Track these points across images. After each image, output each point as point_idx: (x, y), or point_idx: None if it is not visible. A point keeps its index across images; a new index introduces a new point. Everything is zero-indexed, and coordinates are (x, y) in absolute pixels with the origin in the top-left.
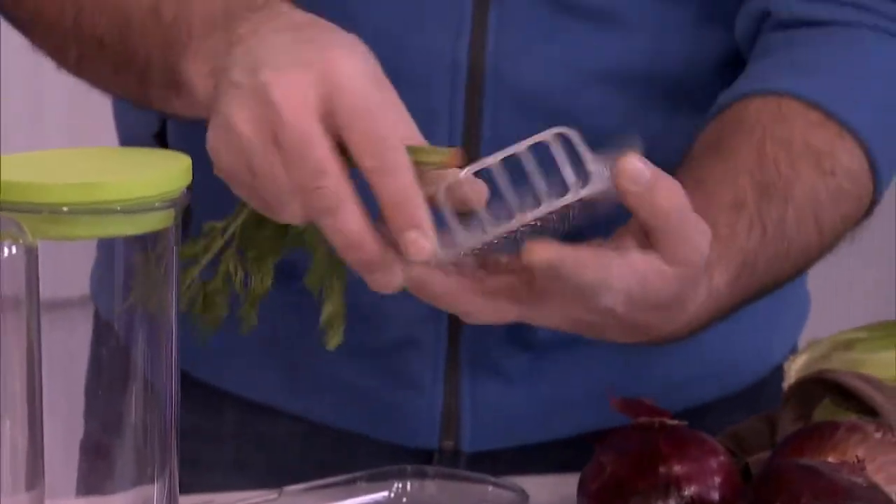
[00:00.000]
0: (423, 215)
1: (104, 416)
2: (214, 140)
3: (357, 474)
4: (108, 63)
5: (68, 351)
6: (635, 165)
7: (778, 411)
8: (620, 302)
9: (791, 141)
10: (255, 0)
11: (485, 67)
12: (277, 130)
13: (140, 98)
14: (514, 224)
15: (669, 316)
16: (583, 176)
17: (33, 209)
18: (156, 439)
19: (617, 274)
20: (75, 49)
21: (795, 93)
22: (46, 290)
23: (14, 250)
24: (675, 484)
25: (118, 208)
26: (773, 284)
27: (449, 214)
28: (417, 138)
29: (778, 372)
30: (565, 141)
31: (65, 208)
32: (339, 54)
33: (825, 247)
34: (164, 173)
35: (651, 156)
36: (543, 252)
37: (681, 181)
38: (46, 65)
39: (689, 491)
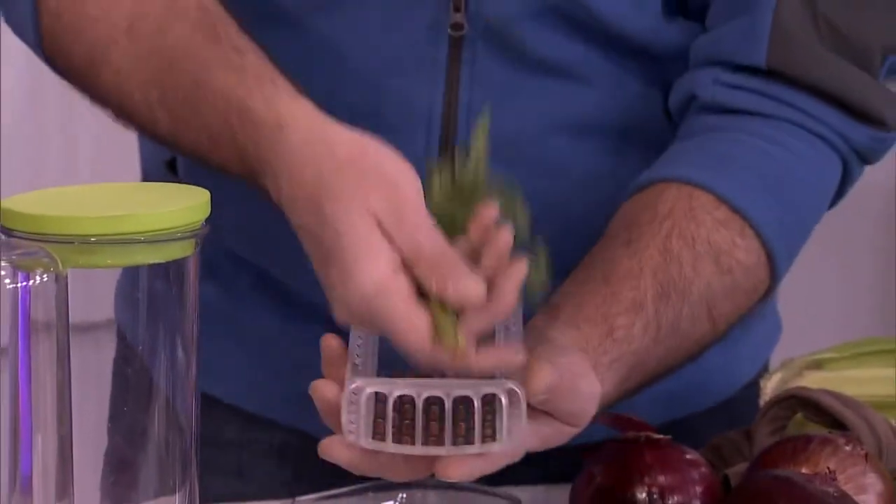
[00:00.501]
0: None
1: (128, 432)
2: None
3: (366, 485)
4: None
5: (95, 371)
6: (539, 389)
7: (755, 425)
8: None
9: (696, 239)
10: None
11: (458, 117)
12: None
13: (196, 157)
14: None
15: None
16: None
17: (64, 240)
18: (177, 453)
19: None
20: (168, 150)
21: (708, 187)
22: (75, 315)
23: (45, 278)
24: (659, 494)
25: (142, 239)
26: (665, 373)
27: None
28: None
29: (749, 388)
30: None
31: (93, 239)
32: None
33: (718, 335)
34: (184, 207)
35: (603, 192)
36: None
37: (589, 274)
38: (78, 103)
39: (673, 500)
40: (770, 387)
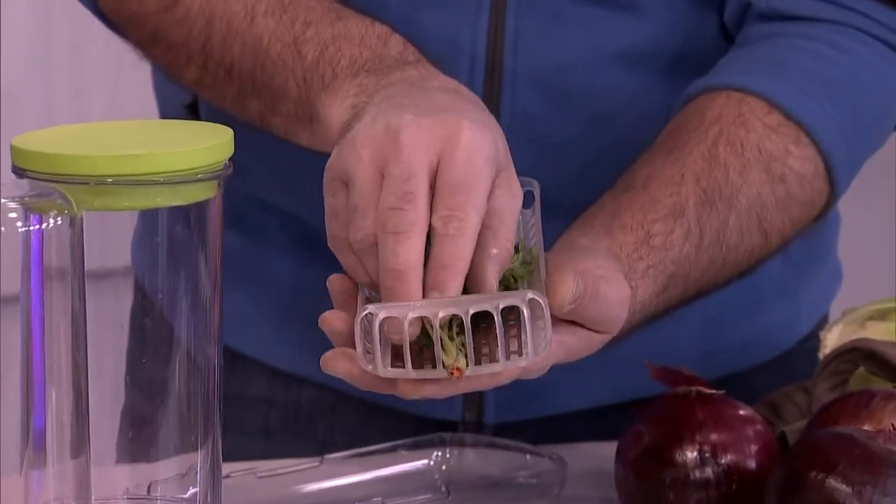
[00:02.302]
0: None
1: (147, 385)
2: (334, 158)
3: (398, 443)
4: (232, 87)
5: (112, 321)
6: (564, 301)
7: (814, 380)
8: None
9: (745, 146)
10: (407, 56)
11: (503, 48)
12: (390, 162)
13: (261, 122)
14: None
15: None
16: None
17: (79, 181)
18: (199, 407)
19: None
20: (196, 71)
21: (759, 92)
22: (90, 261)
23: (59, 221)
24: (711, 453)
25: (162, 180)
26: (711, 287)
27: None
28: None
29: (808, 341)
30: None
31: (110, 179)
32: (468, 126)
33: (771, 249)
34: (206, 145)
35: (656, 124)
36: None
37: (627, 182)
38: (89, 36)
39: (726, 459)
40: (830, 339)
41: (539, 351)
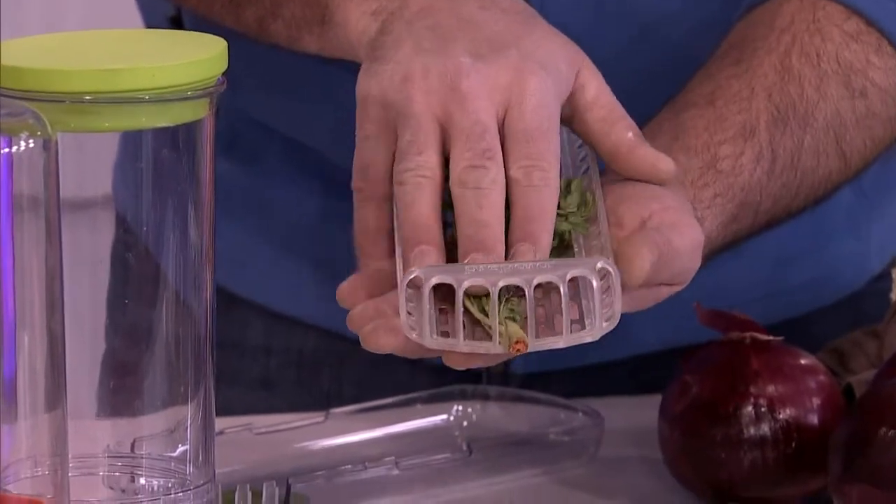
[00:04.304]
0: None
1: (131, 330)
2: (375, 87)
3: (413, 395)
4: None
5: (91, 256)
6: (639, 276)
7: (885, 324)
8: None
9: (821, 55)
10: None
11: None
12: (455, 112)
13: (258, 29)
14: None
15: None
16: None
17: (52, 98)
18: (189, 355)
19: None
20: None
21: None
22: (67, 189)
23: (31, 144)
24: (768, 406)
25: (146, 97)
26: (783, 216)
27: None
28: None
29: (879, 281)
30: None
31: (87, 97)
32: (534, 70)
33: (851, 173)
34: (197, 58)
35: (708, 39)
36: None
37: (689, 99)
38: None
39: (785, 414)
40: None
41: (608, 326)
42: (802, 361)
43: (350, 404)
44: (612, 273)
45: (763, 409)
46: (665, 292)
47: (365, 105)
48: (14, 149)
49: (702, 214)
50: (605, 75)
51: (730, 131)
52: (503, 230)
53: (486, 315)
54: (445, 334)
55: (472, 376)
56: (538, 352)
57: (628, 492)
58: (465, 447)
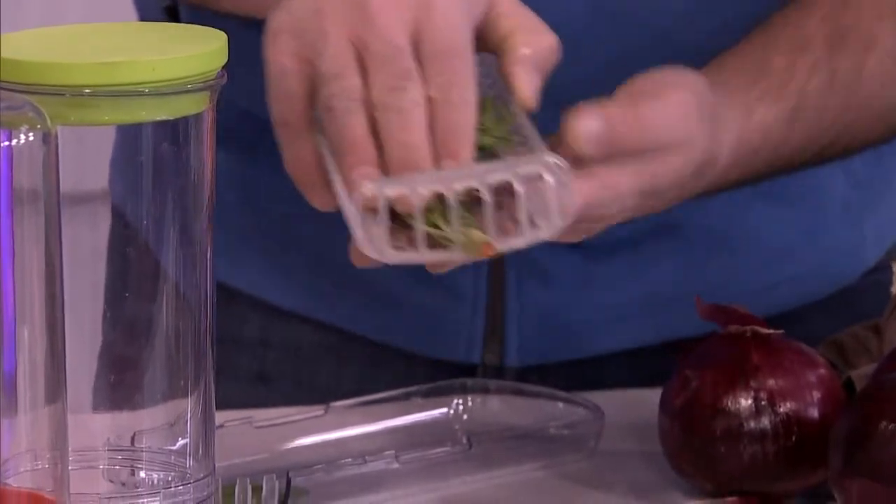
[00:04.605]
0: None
1: (131, 324)
2: (286, 19)
3: (412, 389)
4: None
5: (92, 250)
6: (577, 138)
7: (885, 318)
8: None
9: None
10: None
11: None
12: (365, 36)
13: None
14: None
15: (714, 134)
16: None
17: (52, 91)
18: (189, 349)
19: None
20: None
21: None
22: (67, 182)
23: (31, 137)
24: (768, 400)
25: (146, 90)
26: (851, 140)
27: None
28: None
29: (874, 274)
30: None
31: (87, 90)
32: None
33: None
34: (197, 52)
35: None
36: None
37: (742, 44)
38: None
39: (785, 407)
40: None
41: (563, 221)
42: (803, 355)
43: (349, 398)
44: (563, 167)
45: (763, 403)
46: (671, 166)
47: (276, 39)
48: (14, 142)
49: (751, 106)
50: (616, 78)
51: (783, 46)
52: (431, 150)
53: (439, 228)
54: (402, 248)
55: (468, 370)
56: (535, 346)
57: (628, 485)
58: (464, 441)
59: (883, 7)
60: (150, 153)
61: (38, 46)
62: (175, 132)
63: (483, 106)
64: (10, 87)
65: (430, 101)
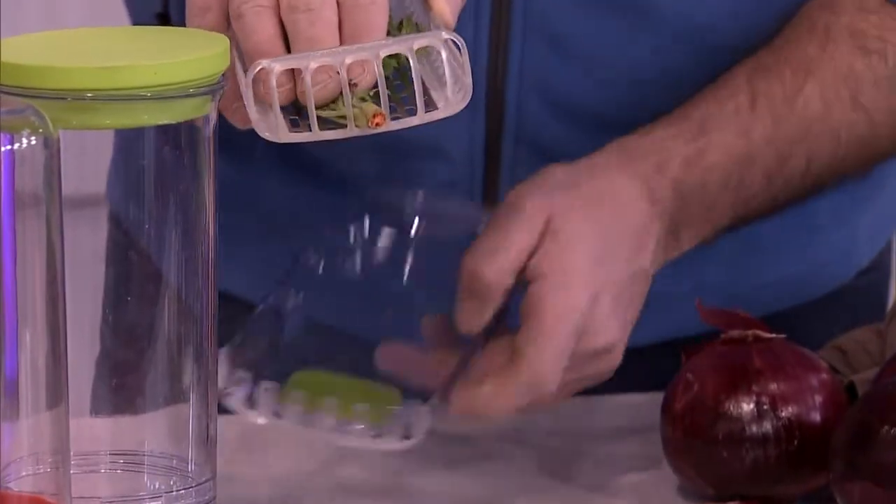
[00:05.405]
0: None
1: (132, 328)
2: None
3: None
4: None
5: (93, 254)
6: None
7: (888, 322)
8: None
9: (830, 28)
10: None
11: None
12: None
13: None
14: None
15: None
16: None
17: (54, 95)
18: (190, 352)
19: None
20: None
21: None
22: (69, 186)
23: (33, 141)
24: (770, 404)
25: (148, 94)
26: (803, 163)
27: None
28: None
29: (866, 275)
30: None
31: (89, 94)
32: None
33: (876, 129)
34: (199, 56)
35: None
36: None
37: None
38: None
39: (787, 412)
40: None
41: (462, 100)
42: (804, 359)
43: None
44: (460, 44)
45: (765, 407)
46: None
47: None
48: (15, 146)
49: (660, 160)
50: (634, 83)
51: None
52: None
53: (333, 110)
54: (298, 130)
55: None
56: None
57: (630, 489)
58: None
59: (827, 41)
60: (152, 157)
61: (39, 50)
62: (177, 136)
63: (399, 26)
64: (12, 91)
65: (338, 5)
